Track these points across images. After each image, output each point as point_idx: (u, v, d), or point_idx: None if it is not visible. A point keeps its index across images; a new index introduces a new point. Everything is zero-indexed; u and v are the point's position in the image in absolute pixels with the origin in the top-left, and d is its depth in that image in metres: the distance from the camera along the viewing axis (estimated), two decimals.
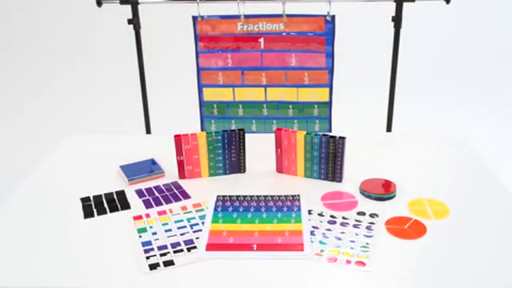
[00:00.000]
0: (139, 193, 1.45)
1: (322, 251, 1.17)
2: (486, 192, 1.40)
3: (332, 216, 1.31)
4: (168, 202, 1.40)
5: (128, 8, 2.00)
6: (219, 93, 1.86)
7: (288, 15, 1.77)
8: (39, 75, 4.08)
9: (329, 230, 1.25)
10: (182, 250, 1.18)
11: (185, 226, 1.28)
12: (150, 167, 1.56)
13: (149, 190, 1.46)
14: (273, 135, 1.54)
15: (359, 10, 3.16)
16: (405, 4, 1.92)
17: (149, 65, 2.25)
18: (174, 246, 1.20)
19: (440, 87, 3.87)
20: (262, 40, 1.80)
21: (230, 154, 1.52)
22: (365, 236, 1.22)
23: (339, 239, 1.21)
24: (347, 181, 1.48)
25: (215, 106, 1.88)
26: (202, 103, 1.89)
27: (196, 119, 1.94)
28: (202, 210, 1.35)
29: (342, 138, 1.44)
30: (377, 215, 1.30)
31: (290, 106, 1.86)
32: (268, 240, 1.21)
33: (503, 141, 3.21)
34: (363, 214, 1.31)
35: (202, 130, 1.93)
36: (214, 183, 1.50)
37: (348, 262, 1.13)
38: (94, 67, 4.08)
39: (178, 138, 1.48)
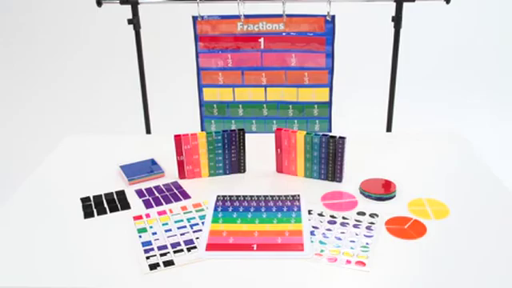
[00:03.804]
0: (139, 193, 1.45)
1: (322, 251, 1.17)
2: (486, 192, 1.40)
3: (332, 216, 1.31)
4: (168, 202, 1.40)
5: (128, 8, 2.00)
6: (219, 93, 1.86)
7: (288, 15, 1.77)
8: (39, 75, 4.08)
9: (329, 230, 1.25)
10: (182, 250, 1.18)
11: (185, 226, 1.28)
12: (150, 167, 1.56)
13: (149, 190, 1.46)
14: (273, 135, 1.54)
15: (359, 10, 3.15)
16: (405, 4, 1.92)
17: (149, 65, 2.25)
18: (173, 246, 1.20)
19: (440, 87, 3.87)
20: (262, 40, 1.80)
21: (230, 154, 1.52)
22: (365, 236, 1.22)
23: (339, 239, 1.21)
24: (347, 181, 1.48)
25: (215, 106, 1.88)
26: (201, 103, 1.89)
27: (196, 119, 1.94)
28: (202, 209, 1.35)
29: (342, 138, 1.44)
30: (377, 215, 1.30)
31: (290, 106, 1.86)
32: (268, 240, 1.21)
33: (503, 141, 3.21)
34: (363, 213, 1.31)
35: (202, 130, 1.93)
36: (214, 183, 1.50)
37: (348, 262, 1.13)
38: (93, 67, 4.07)
39: (177, 137, 1.48)
